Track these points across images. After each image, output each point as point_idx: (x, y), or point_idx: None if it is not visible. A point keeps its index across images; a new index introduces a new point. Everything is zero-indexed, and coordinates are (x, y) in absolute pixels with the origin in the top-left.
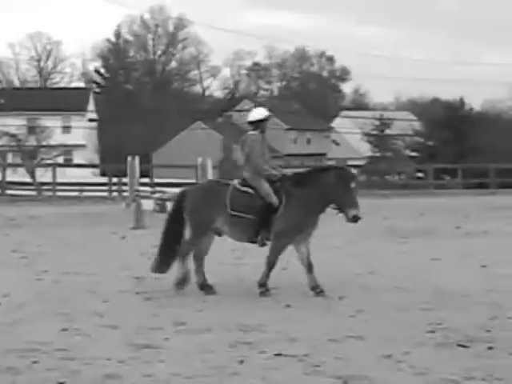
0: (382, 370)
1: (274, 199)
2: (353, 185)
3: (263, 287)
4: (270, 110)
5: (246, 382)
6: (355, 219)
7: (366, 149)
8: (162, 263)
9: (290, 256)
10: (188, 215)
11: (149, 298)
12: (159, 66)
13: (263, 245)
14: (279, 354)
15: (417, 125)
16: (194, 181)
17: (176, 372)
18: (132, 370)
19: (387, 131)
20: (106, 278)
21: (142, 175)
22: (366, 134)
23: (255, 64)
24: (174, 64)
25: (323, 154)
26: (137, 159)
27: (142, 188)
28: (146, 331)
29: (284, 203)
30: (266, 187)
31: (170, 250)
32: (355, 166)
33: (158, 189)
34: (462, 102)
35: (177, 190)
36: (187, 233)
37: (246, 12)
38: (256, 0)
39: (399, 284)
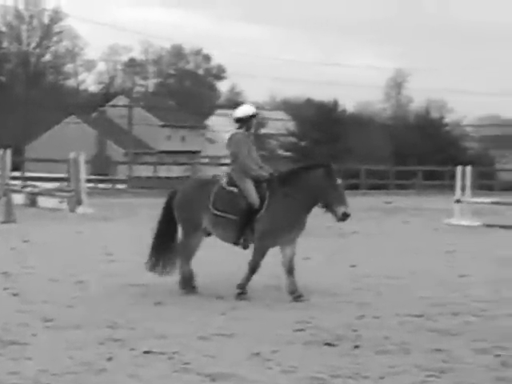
0: (250, 367)
1: (255, 200)
2: (339, 181)
3: (241, 289)
4: (144, 107)
5: (113, 379)
6: (345, 216)
7: None
8: (156, 263)
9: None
10: (176, 214)
11: (16, 293)
12: (33, 58)
13: (246, 247)
14: (148, 352)
15: (291, 125)
16: (65, 175)
17: (43, 369)
18: None
19: (262, 130)
20: None
21: (14, 168)
22: None
23: (131, 59)
24: (48, 57)
25: (198, 152)
26: (8, 152)
27: (12, 182)
28: (13, 327)
29: (267, 204)
30: (249, 187)
31: (162, 249)
32: (229, 165)
33: (29, 183)
34: (335, 103)
35: (48, 185)
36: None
37: (122, 6)
38: None
39: (269, 282)
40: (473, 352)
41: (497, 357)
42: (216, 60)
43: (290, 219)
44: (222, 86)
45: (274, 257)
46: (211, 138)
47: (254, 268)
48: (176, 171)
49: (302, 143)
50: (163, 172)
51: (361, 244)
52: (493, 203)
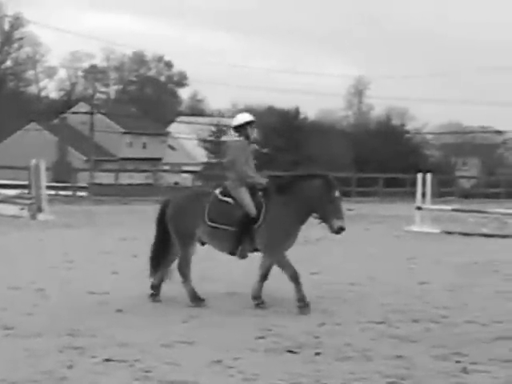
0: (211, 375)
1: (253, 210)
2: (337, 194)
3: (303, 302)
4: (105, 114)
5: None
6: (340, 230)
7: (201, 154)
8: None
9: (122, 262)
10: (171, 227)
11: None
12: None
13: (243, 257)
14: (109, 359)
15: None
16: (26, 182)
17: (3, 378)
18: None
19: (223, 138)
20: None
21: None
22: (203, 140)
23: (92, 66)
24: (9, 63)
25: (159, 159)
26: None
27: None
28: None
29: (264, 213)
30: (244, 196)
31: (159, 259)
32: (191, 172)
33: None
34: (296, 111)
35: (9, 192)
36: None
37: (84, 13)
38: (94, 1)
39: (232, 289)
40: (433, 358)
41: (457, 363)
42: (177, 67)
43: (287, 229)
44: (184, 93)
45: (237, 265)
46: (172, 145)
47: (295, 278)
48: (137, 178)
49: (264, 150)
50: (124, 179)
51: (323, 251)
52: (453, 210)
